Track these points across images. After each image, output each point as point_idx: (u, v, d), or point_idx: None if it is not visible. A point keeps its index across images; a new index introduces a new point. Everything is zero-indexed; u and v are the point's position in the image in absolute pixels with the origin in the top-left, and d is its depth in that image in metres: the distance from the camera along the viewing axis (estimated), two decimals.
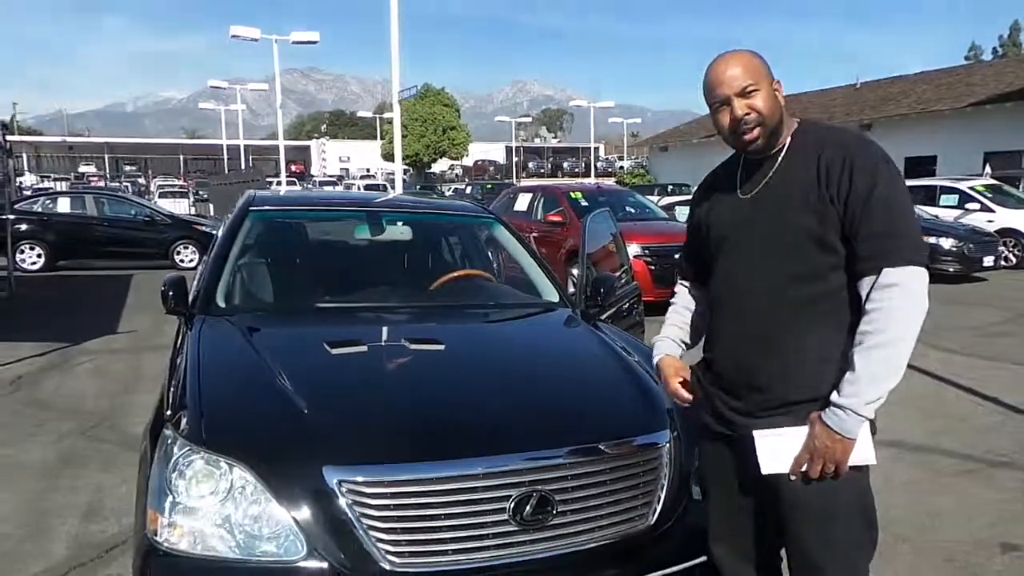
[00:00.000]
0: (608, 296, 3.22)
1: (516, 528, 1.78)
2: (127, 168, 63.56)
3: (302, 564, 1.69)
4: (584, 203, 10.17)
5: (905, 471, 4.02)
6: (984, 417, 4.98)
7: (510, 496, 1.78)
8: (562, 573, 1.81)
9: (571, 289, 3.57)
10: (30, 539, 3.06)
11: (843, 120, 27.30)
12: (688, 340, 2.00)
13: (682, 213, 12.64)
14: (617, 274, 4.09)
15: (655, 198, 18.83)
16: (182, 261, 13.72)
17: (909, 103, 25.75)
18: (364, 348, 2.56)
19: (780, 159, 1.69)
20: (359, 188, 36.36)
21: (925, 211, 13.56)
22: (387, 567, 1.69)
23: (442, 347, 2.63)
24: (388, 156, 48.78)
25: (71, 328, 7.43)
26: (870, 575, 1.73)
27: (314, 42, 22.66)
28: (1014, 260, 13.27)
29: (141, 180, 50.62)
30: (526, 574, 1.78)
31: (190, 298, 2.85)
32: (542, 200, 11.07)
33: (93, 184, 39.90)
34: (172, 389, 2.15)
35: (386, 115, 50.70)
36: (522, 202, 11.44)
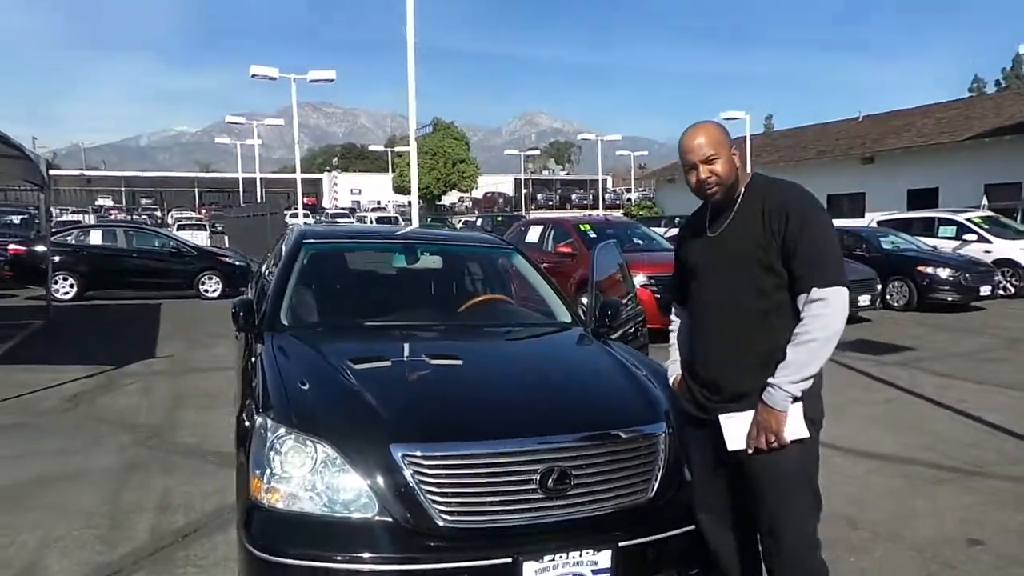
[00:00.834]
0: (615, 318, 3.70)
1: (542, 495, 2.23)
2: (143, 201, 64.90)
3: (375, 519, 2.15)
4: (593, 235, 10.67)
5: (887, 481, 4.42)
6: (967, 434, 5.36)
7: (537, 470, 2.24)
8: (578, 532, 2.26)
9: (582, 314, 4.06)
10: (115, 528, 3.52)
11: (846, 153, 27.91)
12: None
13: None
14: (624, 300, 4.57)
15: (662, 229, 19.34)
16: (206, 291, 14.25)
17: (910, 136, 26.31)
18: (408, 356, 3.06)
19: (736, 206, 2.21)
20: (371, 220, 37.13)
21: (924, 242, 14.00)
22: (441, 524, 2.15)
23: (475, 355, 3.14)
24: (399, 189, 49.74)
25: (112, 353, 7.94)
26: (822, 543, 2.19)
27: (330, 80, 23.52)
28: (1012, 289, 13.64)
29: (157, 213, 51.76)
30: (550, 532, 2.23)
31: (257, 318, 3.34)
32: (553, 232, 11.60)
33: (113, 217, 40.91)
34: (258, 388, 2.63)
35: (397, 148, 51.79)
36: (533, 234, 11.97)
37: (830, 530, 3.42)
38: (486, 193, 58.61)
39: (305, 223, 17.37)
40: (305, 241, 3.90)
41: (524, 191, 55.04)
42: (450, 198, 55.90)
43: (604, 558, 2.22)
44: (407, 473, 2.17)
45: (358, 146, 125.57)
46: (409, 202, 16.21)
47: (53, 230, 15.27)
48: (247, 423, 2.48)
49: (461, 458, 2.22)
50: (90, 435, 5.06)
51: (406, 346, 3.20)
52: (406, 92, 13.72)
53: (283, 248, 4.08)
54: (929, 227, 15.08)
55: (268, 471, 2.23)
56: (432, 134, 44.61)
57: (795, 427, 2.07)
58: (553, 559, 2.16)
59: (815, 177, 27.74)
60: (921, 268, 12.21)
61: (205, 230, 32.23)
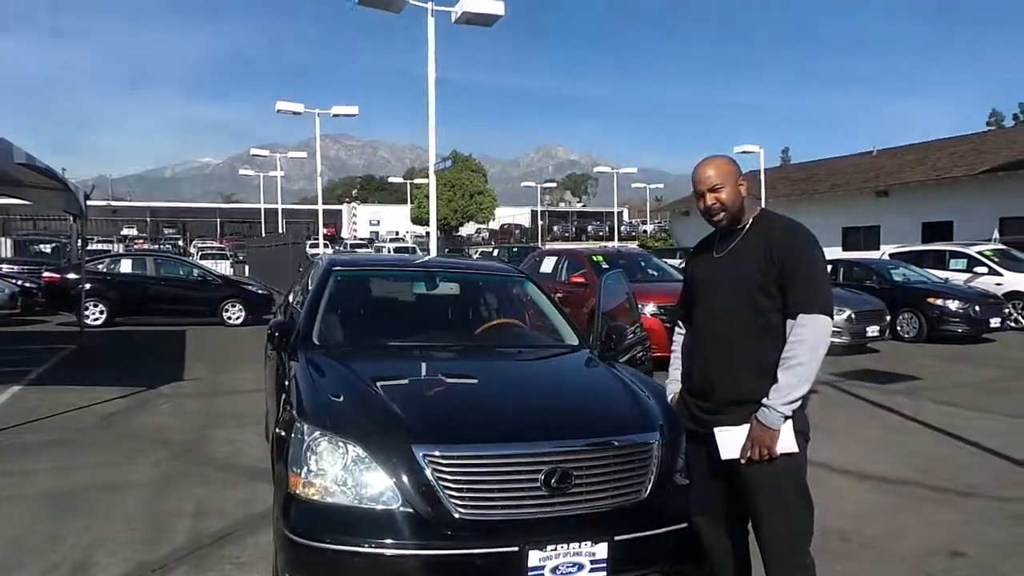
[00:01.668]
0: (620, 342, 4.01)
1: (546, 493, 2.53)
2: (167, 231, 66.17)
3: (398, 510, 2.45)
4: (605, 265, 10.98)
5: (881, 499, 4.65)
6: (963, 458, 5.56)
7: (542, 470, 2.53)
8: (578, 527, 2.53)
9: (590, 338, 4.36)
10: (156, 531, 3.84)
11: (860, 187, 28.10)
12: None
13: None
14: (631, 328, 4.88)
15: (676, 261, 19.63)
16: (229, 319, 14.67)
17: (924, 170, 26.47)
18: (430, 371, 3.41)
19: (743, 234, 2.50)
20: (389, 251, 37.71)
21: (935, 274, 14.16)
22: (456, 516, 2.45)
23: (489, 372, 3.48)
24: (417, 220, 50.49)
25: (142, 375, 8.32)
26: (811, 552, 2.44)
27: (353, 115, 24.21)
28: (1023, 321, 13.73)
29: (180, 242, 52.82)
30: (553, 525, 2.51)
31: (291, 338, 3.67)
32: (566, 263, 11.94)
33: (138, 246, 41.87)
34: (294, 397, 2.95)
35: (416, 180, 52.67)
36: (547, 264, 12.31)
37: (821, 542, 3.66)
38: (503, 225, 59.27)
39: (326, 253, 17.84)
40: (334, 268, 4.26)
41: (541, 223, 55.63)
42: (467, 229, 56.61)
43: (601, 550, 2.50)
44: (427, 471, 2.48)
45: (377, 178, 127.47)
46: (427, 232, 16.63)
47: (86, 259, 15.85)
48: (283, 430, 2.79)
49: (475, 458, 2.53)
50: (128, 450, 5.39)
51: (426, 363, 3.55)
52: (425, 125, 14.15)
53: (312, 275, 4.44)
54: (940, 260, 15.25)
55: (305, 468, 2.54)
56: (452, 168, 45.39)
57: (786, 442, 2.33)
58: (555, 549, 2.44)
59: (829, 210, 27.98)
60: (931, 300, 12.36)
61: (227, 259, 32.93)
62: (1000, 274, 14.23)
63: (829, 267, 9.09)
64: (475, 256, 32.92)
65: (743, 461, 2.37)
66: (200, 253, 35.20)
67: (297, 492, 2.51)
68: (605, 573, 2.50)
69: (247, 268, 30.48)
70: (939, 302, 12.28)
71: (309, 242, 29.02)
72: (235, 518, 4.04)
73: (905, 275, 13.62)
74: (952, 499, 4.62)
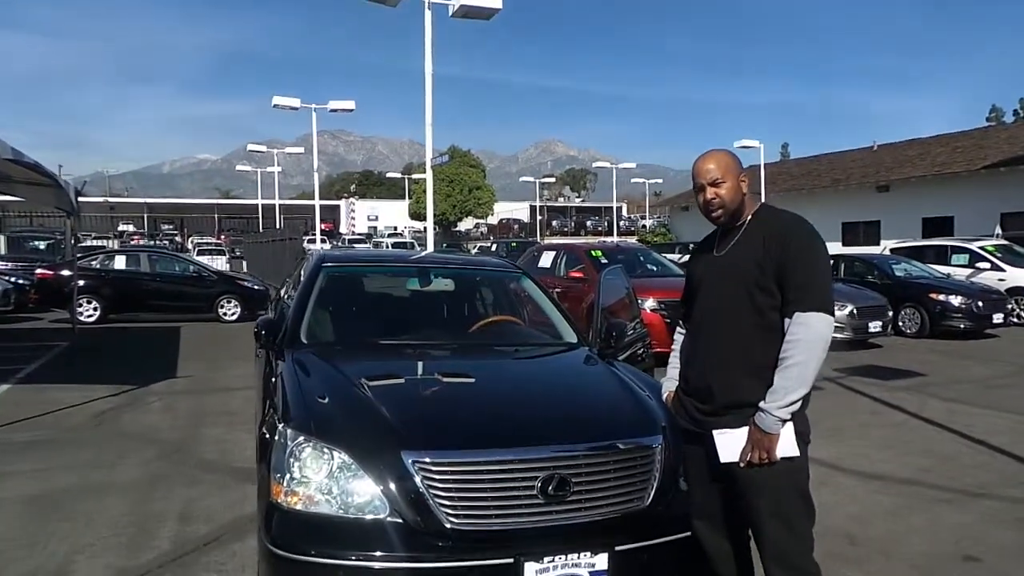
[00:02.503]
0: (620, 339, 3.85)
1: (543, 501, 2.39)
2: (164, 227, 65.93)
3: (387, 520, 2.31)
4: (604, 260, 10.85)
5: (890, 500, 4.51)
6: (971, 457, 5.43)
7: (539, 477, 2.39)
8: (577, 536, 2.40)
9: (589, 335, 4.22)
10: (140, 535, 3.70)
11: (860, 182, 27.98)
12: None
13: None
14: (631, 324, 4.73)
15: (676, 256, 19.49)
16: (225, 314, 14.51)
17: (925, 165, 26.36)
18: (421, 372, 3.25)
19: (742, 230, 2.38)
20: (387, 246, 37.59)
21: (937, 270, 14.03)
22: (448, 526, 2.30)
23: (483, 372, 3.32)
24: (416, 215, 50.32)
25: (135, 373, 8.18)
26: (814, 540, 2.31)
27: (350, 110, 24.02)
28: None
29: (178, 238, 52.66)
30: (550, 535, 2.37)
31: (278, 336, 3.53)
32: (565, 258, 11.79)
33: (135, 242, 41.69)
34: (279, 399, 2.81)
35: (414, 176, 52.46)
36: (546, 259, 12.17)
37: (829, 545, 3.55)
38: (502, 220, 59.08)
39: (323, 248, 17.73)
40: (324, 264, 4.11)
41: (539, 217, 55.47)
42: (466, 224, 56.40)
43: (601, 560, 2.36)
44: (417, 478, 2.34)
45: (375, 173, 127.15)
46: (425, 228, 16.48)
47: (79, 255, 15.70)
48: (268, 433, 2.66)
49: (467, 465, 2.38)
50: (116, 450, 5.25)
51: (418, 363, 3.40)
52: (423, 120, 14.03)
53: (303, 271, 4.29)
54: (942, 255, 15.11)
55: (288, 476, 2.40)
56: (449, 163, 45.26)
57: (786, 446, 2.20)
58: (553, 560, 2.31)
59: (830, 205, 27.85)
60: (933, 295, 12.24)
61: (224, 255, 32.77)
62: (1003, 270, 14.09)
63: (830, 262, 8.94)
64: (473, 251, 32.80)
65: (742, 465, 2.24)
66: (197, 249, 35.05)
67: (279, 501, 2.37)
68: None
69: (244, 264, 30.33)
70: (941, 297, 12.16)
71: (307, 238, 28.96)
72: (222, 522, 3.90)
73: (907, 270, 13.49)
74: (960, 500, 4.49)
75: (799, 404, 2.19)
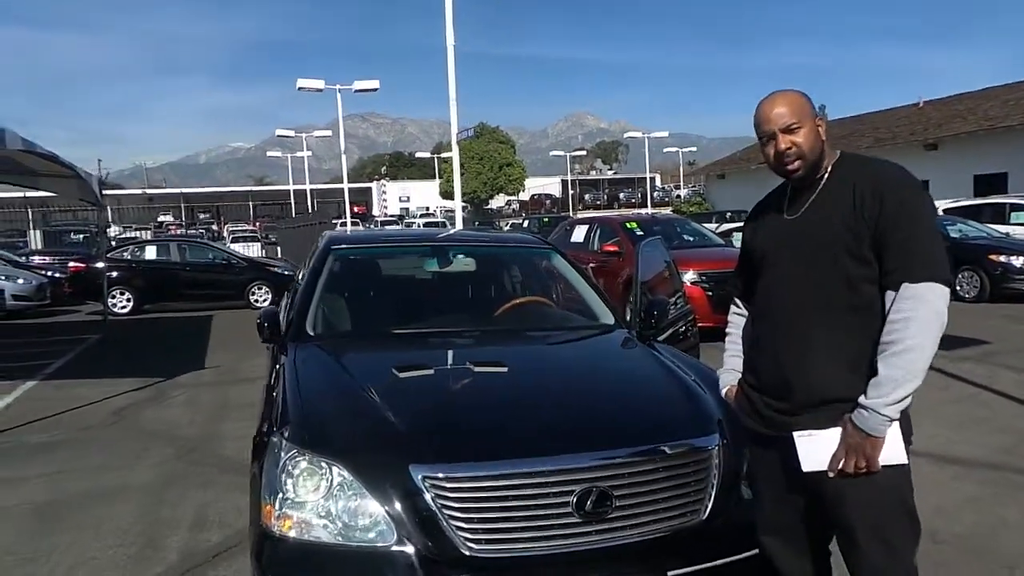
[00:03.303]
0: (662, 319, 3.42)
1: (579, 520, 2.00)
2: (201, 216, 66.82)
3: (394, 549, 1.95)
4: (640, 232, 10.33)
5: (970, 488, 4.04)
6: None
7: (573, 491, 2.00)
8: (621, 562, 2.01)
9: (628, 315, 3.79)
10: (149, 546, 3.44)
11: (908, 140, 26.77)
12: None
13: (739, 239, 12.66)
14: (672, 299, 4.29)
15: (713, 225, 18.83)
16: (256, 301, 14.43)
17: (976, 120, 25.06)
18: (437, 367, 2.85)
19: (821, 186, 1.90)
20: (419, 226, 37.44)
21: (995, 229, 13.22)
22: (466, 553, 1.93)
23: (508, 363, 2.91)
24: (446, 194, 50.09)
25: (163, 365, 8.01)
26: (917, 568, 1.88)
27: (375, 90, 23.67)
28: None
29: (214, 227, 53.26)
30: (588, 561, 1.99)
31: (282, 328, 3.19)
32: (598, 231, 11.30)
33: (172, 232, 42.23)
34: (276, 404, 2.47)
35: (444, 155, 52.13)
36: (579, 234, 11.69)
37: None
38: (533, 195, 58.43)
39: (353, 230, 17.51)
40: (333, 247, 3.74)
41: (571, 192, 54.64)
42: (497, 202, 55.94)
43: None
44: (428, 497, 1.97)
45: (405, 154, 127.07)
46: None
47: (114, 246, 15.71)
48: (259, 444, 2.32)
49: (487, 479, 2.00)
50: (132, 450, 5.02)
51: (434, 355, 3.00)
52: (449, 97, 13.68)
53: (311, 255, 3.94)
54: (1000, 213, 14.27)
55: (280, 495, 2.05)
56: (477, 139, 44.74)
57: (893, 451, 1.77)
58: None
59: None
60: (993, 257, 11.52)
61: (258, 241, 32.90)
62: None
63: None
64: (505, 228, 32.40)
65: (832, 474, 1.80)
66: (232, 236, 35.30)
67: (270, 526, 2.02)
68: None
69: (279, 250, 30.38)
70: (1002, 259, 11.44)
71: (339, 221, 28.86)
72: (235, 528, 3.61)
73: (963, 231, 12.72)
74: None
75: (910, 399, 1.74)
